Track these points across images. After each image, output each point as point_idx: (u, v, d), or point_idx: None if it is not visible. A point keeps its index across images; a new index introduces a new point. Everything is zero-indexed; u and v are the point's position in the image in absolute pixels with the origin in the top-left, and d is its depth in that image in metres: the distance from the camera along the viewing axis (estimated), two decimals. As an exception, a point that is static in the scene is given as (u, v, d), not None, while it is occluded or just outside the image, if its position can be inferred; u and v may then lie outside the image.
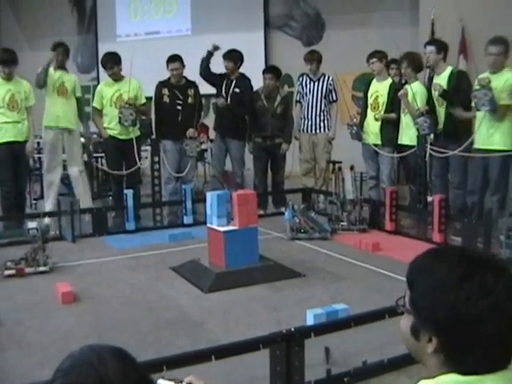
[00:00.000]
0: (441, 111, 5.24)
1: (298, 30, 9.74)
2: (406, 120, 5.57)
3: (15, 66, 5.64)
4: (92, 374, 0.81)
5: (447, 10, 7.16)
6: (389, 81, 5.85)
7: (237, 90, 6.30)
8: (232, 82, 6.32)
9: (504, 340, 0.92)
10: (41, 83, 5.72)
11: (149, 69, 6.63)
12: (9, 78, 5.62)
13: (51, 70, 5.77)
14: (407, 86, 5.52)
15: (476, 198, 4.94)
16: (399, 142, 5.66)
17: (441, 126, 5.24)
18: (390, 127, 5.73)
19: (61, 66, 5.91)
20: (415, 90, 5.42)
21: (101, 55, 6.67)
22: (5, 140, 5.55)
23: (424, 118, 5.21)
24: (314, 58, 6.40)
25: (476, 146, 4.92)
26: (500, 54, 4.68)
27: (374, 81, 5.92)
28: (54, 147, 5.86)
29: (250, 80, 6.43)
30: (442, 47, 5.24)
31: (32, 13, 10.77)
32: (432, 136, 5.28)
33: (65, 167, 6.10)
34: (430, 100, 5.35)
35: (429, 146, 5.19)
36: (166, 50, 6.35)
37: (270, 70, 6.47)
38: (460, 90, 5.04)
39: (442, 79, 5.20)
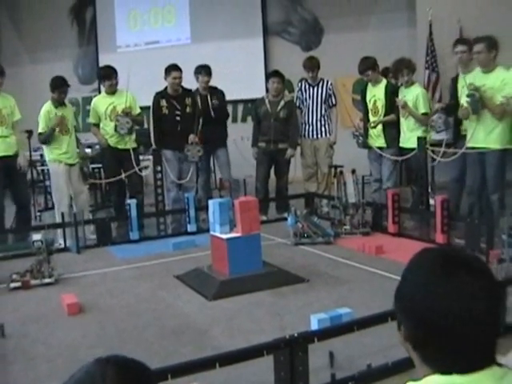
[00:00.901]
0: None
1: (297, 36, 9.78)
2: (407, 123, 5.59)
3: (3, 78, 5.63)
4: None
5: (445, 10, 7.18)
6: (383, 83, 5.88)
7: (215, 101, 6.42)
8: (207, 96, 6.41)
9: (475, 341, 0.92)
10: (46, 142, 5.71)
11: (149, 78, 6.69)
12: None
13: (52, 108, 5.69)
14: (402, 93, 5.56)
15: (475, 197, 4.94)
16: (401, 145, 5.67)
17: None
18: (392, 128, 5.76)
19: (60, 102, 5.77)
20: (416, 94, 5.45)
21: (102, 66, 6.72)
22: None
23: (438, 115, 5.22)
24: (314, 65, 6.43)
25: (472, 145, 4.88)
26: (482, 51, 4.62)
27: (369, 86, 5.94)
28: (62, 182, 5.77)
29: (221, 90, 6.57)
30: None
31: (32, 25, 10.86)
32: (445, 138, 5.26)
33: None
34: (455, 98, 5.23)
35: (443, 148, 5.17)
36: (166, 60, 6.39)
37: (277, 73, 6.51)
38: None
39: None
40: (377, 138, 5.85)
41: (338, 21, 9.27)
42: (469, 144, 4.89)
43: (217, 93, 6.51)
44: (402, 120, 5.64)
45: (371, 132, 5.90)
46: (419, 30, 7.69)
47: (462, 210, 5.21)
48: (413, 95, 5.52)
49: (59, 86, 5.65)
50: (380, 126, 5.81)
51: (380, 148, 5.83)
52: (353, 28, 9.11)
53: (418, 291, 0.95)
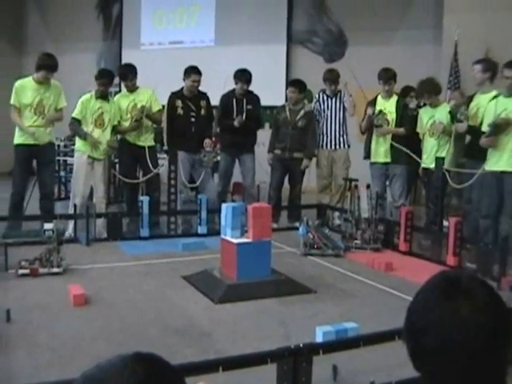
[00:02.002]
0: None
1: (321, 46, 9.79)
2: (434, 143, 5.53)
3: (53, 73, 5.63)
4: (116, 380, 0.81)
5: (472, 30, 7.15)
6: (394, 97, 5.89)
7: (249, 106, 6.36)
8: (243, 100, 6.36)
9: (467, 371, 0.92)
10: (73, 130, 5.79)
11: (170, 78, 6.71)
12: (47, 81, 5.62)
13: (93, 97, 5.78)
14: (428, 113, 5.56)
15: (491, 221, 4.87)
16: (424, 165, 5.62)
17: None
18: (401, 143, 5.73)
19: (102, 95, 5.84)
20: (442, 117, 5.43)
21: (124, 61, 6.77)
22: (25, 142, 5.59)
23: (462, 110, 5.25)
24: (335, 77, 6.42)
25: (489, 168, 4.82)
26: None
27: (380, 99, 5.94)
28: (81, 173, 5.80)
29: (257, 95, 6.50)
30: (488, 67, 5.11)
31: (59, 16, 10.99)
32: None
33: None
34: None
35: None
36: (189, 60, 6.42)
37: (295, 83, 6.51)
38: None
39: (482, 101, 5.10)
40: (383, 154, 5.86)
41: (362, 34, 9.26)
42: (488, 167, 4.84)
43: (252, 98, 6.44)
44: (429, 140, 5.58)
45: (377, 148, 5.90)
46: (444, 48, 7.67)
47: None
48: (444, 113, 5.48)
49: (98, 77, 5.77)
50: (388, 141, 5.82)
51: (386, 163, 5.83)
52: (377, 42, 9.11)
53: (417, 310, 0.98)
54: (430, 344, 0.93)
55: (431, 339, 0.93)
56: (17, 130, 5.64)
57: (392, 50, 8.90)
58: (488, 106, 4.85)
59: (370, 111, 5.91)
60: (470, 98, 5.38)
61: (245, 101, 6.35)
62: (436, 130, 5.46)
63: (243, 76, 6.30)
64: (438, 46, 8.10)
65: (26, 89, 5.54)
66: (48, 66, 5.51)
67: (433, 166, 5.48)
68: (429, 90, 5.52)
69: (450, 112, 5.43)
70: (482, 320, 0.93)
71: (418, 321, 0.96)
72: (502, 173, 4.71)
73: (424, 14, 8.92)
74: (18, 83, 5.59)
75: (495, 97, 4.93)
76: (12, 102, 5.53)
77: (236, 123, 6.19)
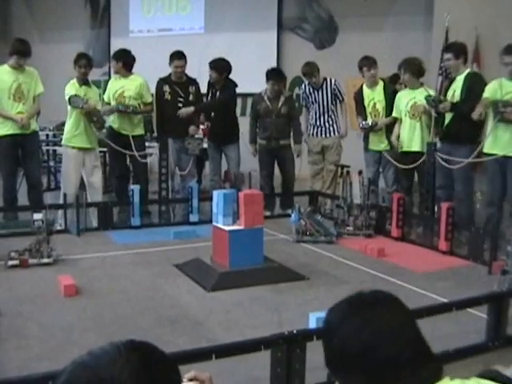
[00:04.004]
0: (449, 114, 5.11)
1: (311, 33, 9.71)
2: (415, 125, 5.49)
3: (26, 59, 5.53)
4: (108, 370, 0.77)
5: (463, 17, 7.11)
6: (380, 84, 5.85)
7: (222, 97, 6.26)
8: (217, 91, 6.28)
9: (404, 360, 1.02)
10: (71, 101, 5.63)
11: (159, 66, 6.63)
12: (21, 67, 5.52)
13: (76, 85, 5.65)
14: (410, 95, 5.49)
15: (495, 208, 4.80)
16: (405, 148, 5.57)
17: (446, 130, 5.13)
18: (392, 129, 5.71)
19: (84, 81, 5.73)
20: (421, 98, 5.37)
21: (113, 50, 6.68)
22: (9, 132, 5.46)
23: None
24: (313, 70, 6.31)
25: (491, 151, 4.76)
26: None
27: (365, 89, 5.91)
28: (71, 166, 5.73)
29: (234, 83, 6.34)
30: (459, 51, 5.10)
31: (45, 5, 10.81)
32: (438, 143, 5.24)
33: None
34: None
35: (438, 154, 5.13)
36: (178, 48, 6.33)
37: (274, 76, 6.27)
38: (471, 92, 4.93)
39: (457, 82, 5.10)
40: (379, 142, 5.83)
41: (353, 20, 9.19)
42: (488, 150, 4.78)
43: (226, 89, 6.27)
44: (408, 122, 5.53)
45: (371, 136, 5.87)
46: (435, 34, 7.62)
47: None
48: (424, 96, 5.42)
49: (76, 59, 5.62)
50: (382, 129, 5.80)
51: (380, 151, 5.82)
52: (368, 28, 9.04)
53: (329, 341, 1.13)
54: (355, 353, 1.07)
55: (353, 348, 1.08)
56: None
57: (383, 36, 8.84)
58: (490, 86, 4.76)
59: (361, 124, 5.84)
60: (449, 84, 5.33)
61: (218, 92, 6.27)
62: (417, 110, 5.40)
63: (214, 64, 6.18)
64: (428, 32, 8.05)
65: (5, 74, 5.42)
66: (20, 51, 5.40)
67: (414, 148, 5.45)
68: (412, 70, 5.46)
69: (425, 98, 5.30)
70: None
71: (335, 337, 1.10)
72: (505, 157, 4.65)
73: (415, -1, 8.87)
74: None
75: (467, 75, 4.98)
76: None
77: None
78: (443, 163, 5.05)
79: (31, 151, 5.70)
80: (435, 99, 5.15)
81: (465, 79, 5.04)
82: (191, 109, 6.02)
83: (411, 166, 5.39)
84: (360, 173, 5.65)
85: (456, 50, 5.12)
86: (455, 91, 5.09)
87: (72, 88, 5.63)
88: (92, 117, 5.63)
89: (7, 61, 5.48)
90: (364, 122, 5.85)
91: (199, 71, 6.42)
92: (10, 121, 5.44)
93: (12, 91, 5.44)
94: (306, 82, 6.49)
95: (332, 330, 1.11)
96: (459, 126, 5.00)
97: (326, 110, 6.38)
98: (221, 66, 6.19)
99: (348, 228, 5.47)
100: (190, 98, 6.11)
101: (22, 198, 5.79)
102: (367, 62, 5.81)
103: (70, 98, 5.56)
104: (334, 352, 1.10)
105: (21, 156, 5.68)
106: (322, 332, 1.15)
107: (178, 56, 6.02)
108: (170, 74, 6.15)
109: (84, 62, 5.65)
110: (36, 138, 5.83)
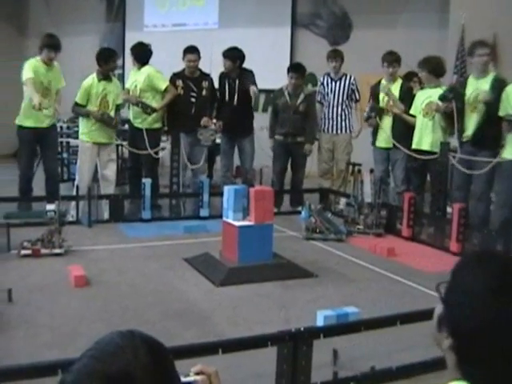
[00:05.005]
0: (472, 116, 5.02)
1: (325, 29, 9.67)
2: (428, 124, 5.44)
3: (57, 53, 5.57)
4: (120, 362, 0.78)
5: (479, 14, 7.03)
6: (399, 82, 5.84)
7: (242, 87, 6.21)
8: (235, 80, 6.24)
9: None
10: (77, 115, 5.71)
11: (173, 60, 6.65)
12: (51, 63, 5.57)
13: (95, 80, 5.67)
14: (426, 93, 5.44)
15: (508, 210, 4.72)
16: (415, 146, 5.53)
17: (469, 132, 5.05)
18: (400, 126, 5.68)
19: (105, 76, 5.72)
20: (436, 97, 5.32)
21: (127, 44, 6.71)
22: (32, 125, 5.53)
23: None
24: (338, 56, 6.37)
25: (508, 156, 4.73)
26: None
27: (384, 82, 5.87)
28: (85, 159, 5.75)
29: (251, 72, 6.30)
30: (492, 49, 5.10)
31: (61, -2, 10.86)
32: (457, 144, 5.19)
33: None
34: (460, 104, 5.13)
35: (458, 154, 5.07)
36: (192, 43, 6.34)
37: (296, 69, 6.34)
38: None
39: (482, 84, 4.97)
40: (387, 138, 5.80)
41: (367, 17, 9.13)
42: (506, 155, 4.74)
43: (244, 77, 6.24)
44: (421, 120, 5.48)
45: (381, 133, 5.86)
46: (451, 32, 7.55)
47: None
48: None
49: (105, 57, 5.64)
50: (389, 124, 5.77)
51: (388, 149, 5.77)
52: (382, 25, 8.97)
53: (472, 300, 0.91)
54: (494, 337, 0.88)
55: (495, 333, 0.88)
56: (24, 111, 5.53)
57: (397, 34, 8.76)
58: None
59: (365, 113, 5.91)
60: (464, 83, 5.27)
61: (237, 81, 6.23)
62: (430, 109, 5.36)
63: (228, 53, 6.19)
64: (443, 29, 7.97)
65: (38, 68, 5.46)
66: (51, 45, 5.47)
67: (424, 147, 5.40)
68: (428, 68, 5.40)
69: (439, 98, 5.23)
70: None
71: (476, 314, 0.89)
72: None
73: (430, -4, 8.78)
74: (31, 61, 5.46)
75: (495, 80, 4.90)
76: (30, 75, 5.32)
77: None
78: (460, 168, 5.00)
79: (50, 143, 5.79)
80: (453, 89, 5.11)
81: (493, 83, 4.90)
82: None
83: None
84: (371, 171, 5.64)
85: (491, 47, 5.10)
86: (478, 91, 4.93)
87: (89, 87, 5.62)
88: (103, 121, 5.68)
89: (24, 54, 5.54)
90: (367, 110, 5.89)
91: (212, 66, 6.41)
92: (35, 114, 5.41)
93: (43, 86, 5.49)
94: (326, 75, 6.48)
95: None
96: (488, 129, 4.91)
97: (340, 102, 6.37)
98: (233, 55, 6.19)
99: (358, 226, 5.46)
100: (203, 92, 6.11)
101: (36, 189, 5.86)
102: (389, 59, 5.79)
103: (76, 104, 5.66)
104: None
105: (39, 148, 5.77)
106: None
107: (191, 50, 6.04)
108: (183, 69, 6.16)
109: (116, 57, 5.77)
110: (55, 130, 5.93)
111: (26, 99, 5.47)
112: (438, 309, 0.98)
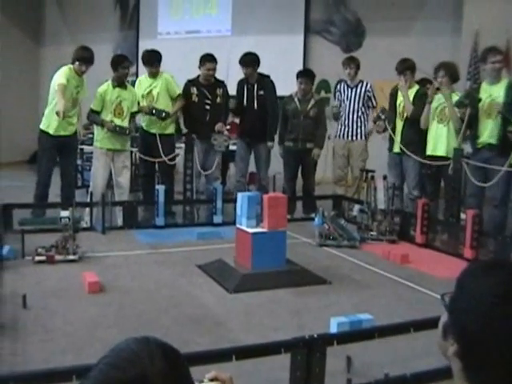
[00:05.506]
0: (487, 122, 5.01)
1: (338, 36, 9.69)
2: (441, 130, 5.42)
3: (88, 66, 5.63)
4: (136, 369, 0.79)
5: (492, 21, 7.01)
6: (415, 88, 5.81)
7: (261, 92, 6.27)
8: (254, 85, 6.28)
9: None
10: (91, 123, 5.77)
11: (187, 68, 6.70)
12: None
13: (110, 87, 5.75)
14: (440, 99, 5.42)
15: None
16: (432, 153, 5.51)
17: (484, 138, 5.03)
18: (411, 133, 5.66)
19: (120, 83, 5.79)
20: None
21: (141, 51, 6.77)
22: (56, 133, 5.59)
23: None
24: (353, 63, 6.37)
25: None
26: None
27: (401, 83, 5.85)
28: (99, 166, 5.82)
29: (269, 77, 6.37)
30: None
31: (76, 7, 11.01)
32: (471, 150, 5.16)
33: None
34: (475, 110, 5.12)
35: (472, 161, 5.03)
36: (205, 50, 6.39)
37: (304, 74, 6.40)
38: None
39: (496, 89, 4.98)
40: (398, 145, 5.78)
41: (380, 24, 9.14)
42: None
43: (264, 83, 6.30)
44: (435, 126, 5.46)
45: (396, 138, 5.84)
46: (464, 39, 7.54)
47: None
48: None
49: (115, 62, 5.72)
50: (400, 127, 5.78)
51: (401, 154, 5.75)
52: (395, 33, 8.97)
53: (477, 306, 0.90)
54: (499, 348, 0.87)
55: (503, 343, 0.86)
56: (49, 116, 5.56)
57: (410, 41, 8.76)
58: None
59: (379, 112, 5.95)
60: (477, 89, 5.24)
61: (256, 86, 6.28)
62: (444, 114, 5.34)
63: (245, 60, 6.23)
64: (456, 36, 7.96)
65: (71, 77, 5.52)
66: (84, 58, 5.51)
67: (439, 153, 5.38)
68: (450, 71, 5.37)
69: (455, 104, 5.25)
70: None
71: (483, 323, 0.88)
72: None
73: (443, 3, 8.76)
74: (65, 69, 5.51)
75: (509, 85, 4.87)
76: (63, 81, 5.38)
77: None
78: (471, 177, 4.96)
79: (70, 151, 5.85)
80: (469, 95, 5.09)
81: (507, 89, 4.90)
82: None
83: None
84: (384, 178, 5.61)
85: (503, 53, 5.13)
86: (492, 97, 4.95)
87: (104, 93, 5.71)
88: (116, 133, 5.74)
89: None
90: (378, 111, 5.94)
91: (226, 73, 6.45)
92: (60, 120, 5.42)
93: (72, 97, 5.56)
94: (342, 82, 6.49)
95: None
96: (504, 135, 4.89)
97: (356, 109, 6.37)
98: (251, 60, 6.24)
99: (371, 233, 5.44)
100: (218, 100, 6.15)
101: (51, 195, 5.91)
102: (400, 67, 5.78)
103: (92, 111, 5.74)
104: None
105: (59, 154, 5.81)
106: None
107: (210, 58, 6.07)
108: (198, 76, 6.20)
109: (127, 63, 5.80)
110: (76, 138, 5.96)
111: (52, 104, 5.52)
112: (444, 317, 0.99)
